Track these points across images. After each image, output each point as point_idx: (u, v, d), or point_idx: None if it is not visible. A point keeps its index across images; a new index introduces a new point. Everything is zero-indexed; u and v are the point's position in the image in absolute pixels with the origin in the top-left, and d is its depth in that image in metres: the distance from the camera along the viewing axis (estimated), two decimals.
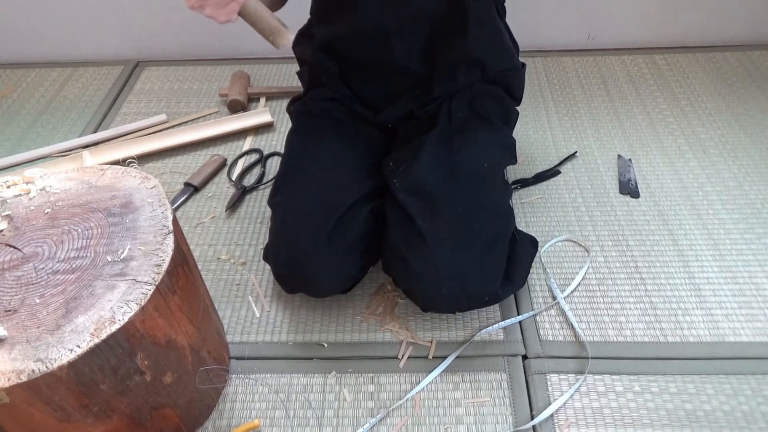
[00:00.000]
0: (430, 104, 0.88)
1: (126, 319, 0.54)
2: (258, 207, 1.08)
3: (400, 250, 0.79)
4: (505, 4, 0.90)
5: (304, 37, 0.92)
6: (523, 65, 0.93)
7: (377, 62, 0.86)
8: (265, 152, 1.19)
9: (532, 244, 0.90)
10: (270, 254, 0.86)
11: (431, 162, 0.82)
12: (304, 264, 0.79)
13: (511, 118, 0.95)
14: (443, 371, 0.81)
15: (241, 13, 0.73)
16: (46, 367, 0.51)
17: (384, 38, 0.82)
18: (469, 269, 0.76)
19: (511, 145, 0.92)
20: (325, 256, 0.78)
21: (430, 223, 0.77)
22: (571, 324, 0.86)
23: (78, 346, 0.52)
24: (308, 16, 0.91)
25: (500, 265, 0.80)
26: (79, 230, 0.63)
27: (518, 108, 0.96)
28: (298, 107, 0.95)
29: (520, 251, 0.85)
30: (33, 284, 0.58)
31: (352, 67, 0.89)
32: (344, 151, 0.88)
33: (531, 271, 0.91)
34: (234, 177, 1.14)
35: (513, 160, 0.91)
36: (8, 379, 0.50)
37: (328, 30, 0.86)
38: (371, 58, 0.86)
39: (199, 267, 0.96)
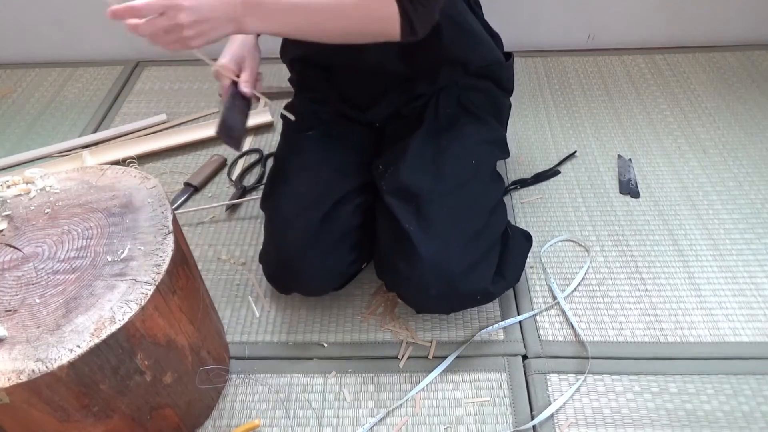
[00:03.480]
0: (415, 101, 0.88)
1: (126, 319, 0.54)
2: (258, 207, 1.08)
3: (388, 254, 0.79)
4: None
5: (283, 48, 0.93)
6: (509, 56, 0.92)
7: (355, 66, 0.86)
8: (265, 152, 1.19)
9: (526, 239, 0.89)
10: (262, 256, 0.87)
11: (417, 162, 0.82)
12: (292, 263, 0.80)
13: (502, 112, 0.94)
14: (443, 371, 0.81)
15: None
16: (46, 367, 0.51)
17: (357, 47, 0.79)
18: (456, 269, 0.75)
19: (501, 139, 0.91)
20: (312, 254, 0.79)
21: (417, 224, 0.76)
22: (571, 324, 0.86)
23: (78, 346, 0.52)
24: None
25: (490, 263, 0.80)
26: (79, 230, 0.63)
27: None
28: (287, 110, 0.95)
29: (513, 247, 0.85)
30: (33, 284, 0.58)
31: (335, 70, 0.89)
32: (331, 151, 0.88)
33: (531, 270, 0.92)
34: (234, 177, 1.14)
35: (504, 154, 0.91)
36: (8, 379, 0.50)
37: (299, 47, 0.86)
38: (348, 63, 0.86)
39: (199, 267, 0.96)
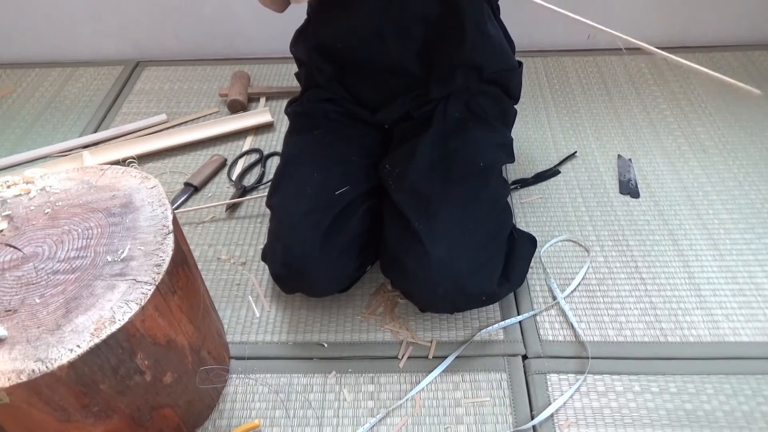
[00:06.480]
0: (426, 105, 0.88)
1: (126, 319, 0.54)
2: (258, 207, 1.08)
3: (396, 252, 0.79)
4: (505, 4, 0.90)
5: (301, 36, 0.92)
6: (520, 64, 0.93)
7: (374, 63, 0.86)
8: (265, 152, 1.19)
9: (531, 243, 0.90)
10: (267, 255, 0.86)
11: (427, 163, 0.82)
12: (300, 264, 0.79)
13: (509, 118, 0.95)
14: (443, 371, 0.81)
15: None
16: (46, 367, 0.51)
17: (380, 40, 0.82)
18: (464, 269, 0.75)
19: (508, 144, 0.91)
20: (320, 256, 0.78)
21: (426, 223, 0.77)
22: (571, 324, 0.86)
23: (78, 346, 0.52)
24: (305, 16, 0.91)
25: (497, 265, 0.80)
26: (79, 230, 0.63)
27: (517, 107, 0.96)
28: (295, 108, 0.95)
29: (518, 250, 0.85)
30: (33, 284, 0.58)
31: (349, 68, 0.89)
32: (340, 151, 0.88)
33: (531, 270, 0.92)
34: (234, 177, 1.14)
35: (510, 158, 0.91)
36: (8, 379, 0.50)
37: (324, 32, 0.86)
38: (367, 60, 0.86)
39: (199, 267, 0.96)
